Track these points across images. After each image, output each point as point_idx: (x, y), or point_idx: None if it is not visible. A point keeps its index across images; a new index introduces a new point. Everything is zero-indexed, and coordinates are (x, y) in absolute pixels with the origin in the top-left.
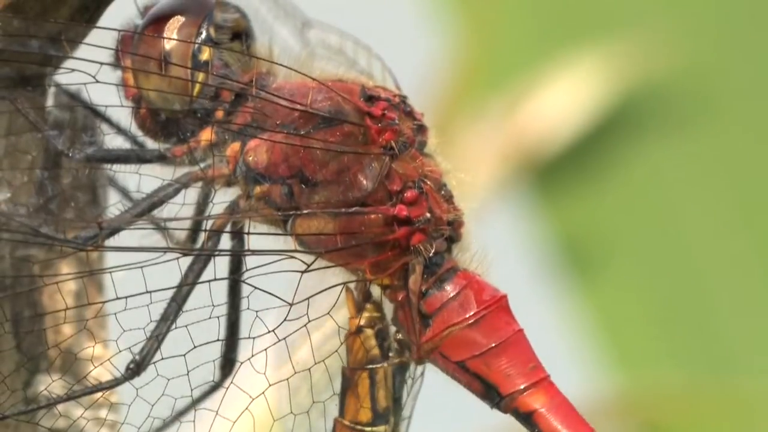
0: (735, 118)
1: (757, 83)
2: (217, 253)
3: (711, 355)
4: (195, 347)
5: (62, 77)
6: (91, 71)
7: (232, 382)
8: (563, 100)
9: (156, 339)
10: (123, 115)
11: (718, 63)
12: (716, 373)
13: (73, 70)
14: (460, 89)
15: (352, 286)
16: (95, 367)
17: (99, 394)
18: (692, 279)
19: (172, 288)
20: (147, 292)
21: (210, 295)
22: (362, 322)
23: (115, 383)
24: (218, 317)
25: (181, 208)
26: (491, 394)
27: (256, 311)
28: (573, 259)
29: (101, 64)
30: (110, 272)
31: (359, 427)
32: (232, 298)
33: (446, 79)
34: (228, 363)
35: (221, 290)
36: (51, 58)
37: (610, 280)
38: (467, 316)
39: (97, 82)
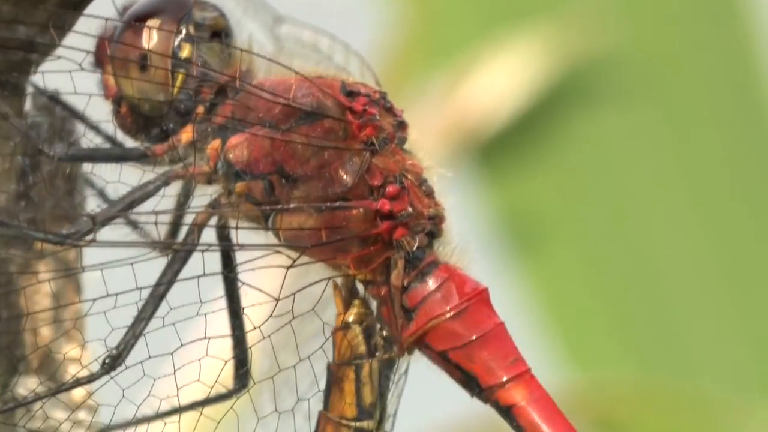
0: (676, 91)
1: (698, 55)
2: (205, 248)
3: (663, 341)
4: (182, 345)
5: (48, 64)
6: (76, 58)
7: (216, 381)
8: (504, 77)
9: (133, 334)
10: (106, 107)
11: (658, 37)
12: (669, 361)
13: (59, 57)
14: (401, 68)
15: (339, 282)
16: (81, 368)
17: (80, 394)
18: (642, 257)
19: (155, 285)
20: (137, 288)
21: (198, 291)
22: (350, 318)
23: (91, 378)
24: (206, 314)
25: (160, 200)
26: (472, 384)
27: (243, 307)
28: (518, 238)
29: (87, 52)
30: (101, 269)
31: (344, 421)
32: (230, 297)
33: (387, 58)
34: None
35: (209, 287)
36: (38, 44)
37: (557, 260)
38: (449, 308)
39: (83, 69)
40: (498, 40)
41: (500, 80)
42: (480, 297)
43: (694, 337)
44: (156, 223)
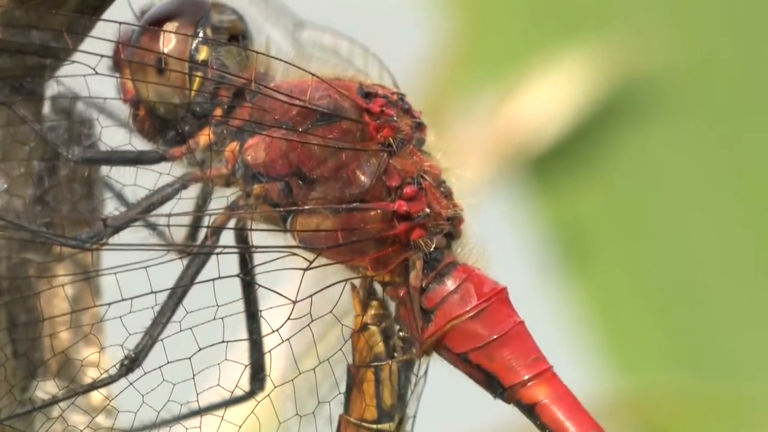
0: (725, 107)
1: (746, 70)
2: (220, 250)
3: (708, 346)
4: (201, 349)
5: (63, 69)
6: (91, 63)
7: (236, 386)
8: (554, 92)
9: (150, 337)
10: (121, 109)
11: (707, 53)
12: (714, 366)
13: (73, 61)
14: (451, 82)
15: (357, 283)
16: (100, 373)
17: (99, 399)
18: (688, 268)
19: (172, 288)
20: (152, 292)
21: (214, 295)
22: (368, 320)
23: (109, 380)
24: (222, 318)
25: (177, 203)
26: (494, 385)
27: (260, 310)
28: (567, 251)
29: (101, 56)
30: (115, 273)
31: (365, 424)
32: (247, 299)
33: (437, 72)
34: (258, 366)
35: (225, 290)
36: (52, 49)
37: (605, 272)
38: (468, 308)
39: (97, 74)
40: (548, 56)
41: (550, 95)
42: (499, 296)
43: (741, 343)
44: (168, 226)
